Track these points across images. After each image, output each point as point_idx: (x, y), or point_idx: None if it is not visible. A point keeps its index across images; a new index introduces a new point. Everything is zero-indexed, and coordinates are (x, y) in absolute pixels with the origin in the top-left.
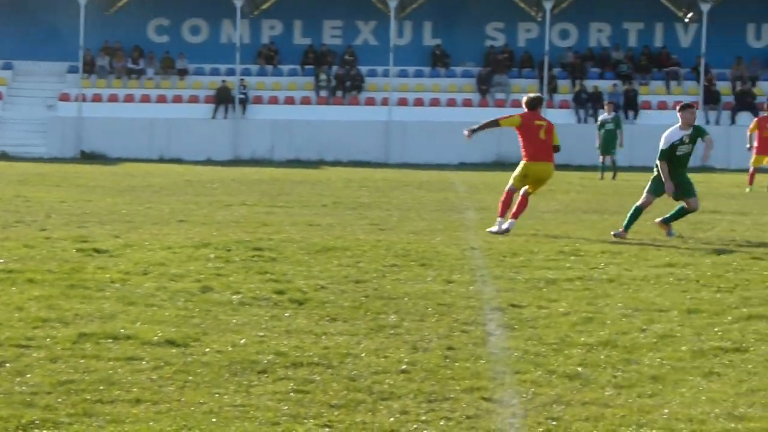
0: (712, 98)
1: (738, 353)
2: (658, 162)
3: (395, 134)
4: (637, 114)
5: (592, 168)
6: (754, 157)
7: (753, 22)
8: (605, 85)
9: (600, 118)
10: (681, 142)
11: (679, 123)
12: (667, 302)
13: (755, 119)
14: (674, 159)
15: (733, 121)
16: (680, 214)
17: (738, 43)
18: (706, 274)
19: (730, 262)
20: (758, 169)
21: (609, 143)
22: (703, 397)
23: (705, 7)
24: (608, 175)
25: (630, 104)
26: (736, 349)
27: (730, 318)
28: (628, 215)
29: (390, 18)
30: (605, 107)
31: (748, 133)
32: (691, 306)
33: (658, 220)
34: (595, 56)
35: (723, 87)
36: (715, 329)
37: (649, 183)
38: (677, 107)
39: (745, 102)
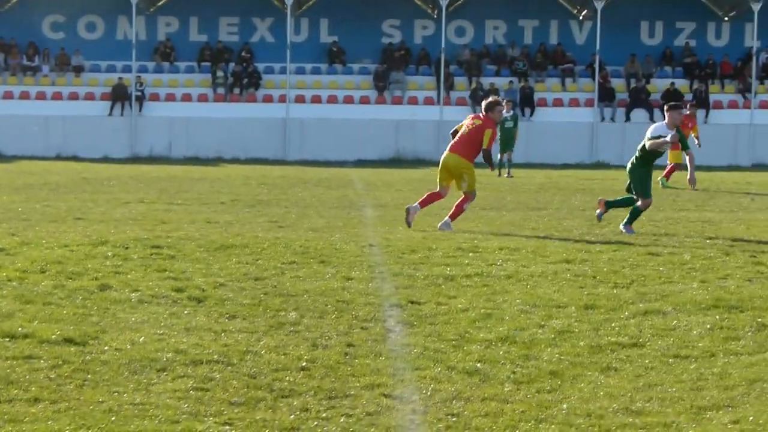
0: (606, 95)
1: (635, 348)
2: (647, 143)
3: (293, 131)
4: (533, 111)
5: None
6: (671, 153)
7: (646, 19)
8: (501, 83)
9: None
10: None
11: (666, 121)
12: (565, 298)
13: None
14: (650, 156)
15: (627, 118)
16: (628, 205)
17: (632, 41)
18: (602, 270)
19: (627, 258)
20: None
21: (508, 141)
22: (601, 392)
23: (599, 5)
24: (505, 171)
25: (526, 101)
26: (633, 344)
27: (626, 313)
28: (629, 213)
29: (287, 15)
30: (504, 105)
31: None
32: (588, 302)
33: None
34: (491, 54)
35: (617, 84)
36: (612, 325)
37: (635, 185)
38: (666, 106)
39: (639, 99)
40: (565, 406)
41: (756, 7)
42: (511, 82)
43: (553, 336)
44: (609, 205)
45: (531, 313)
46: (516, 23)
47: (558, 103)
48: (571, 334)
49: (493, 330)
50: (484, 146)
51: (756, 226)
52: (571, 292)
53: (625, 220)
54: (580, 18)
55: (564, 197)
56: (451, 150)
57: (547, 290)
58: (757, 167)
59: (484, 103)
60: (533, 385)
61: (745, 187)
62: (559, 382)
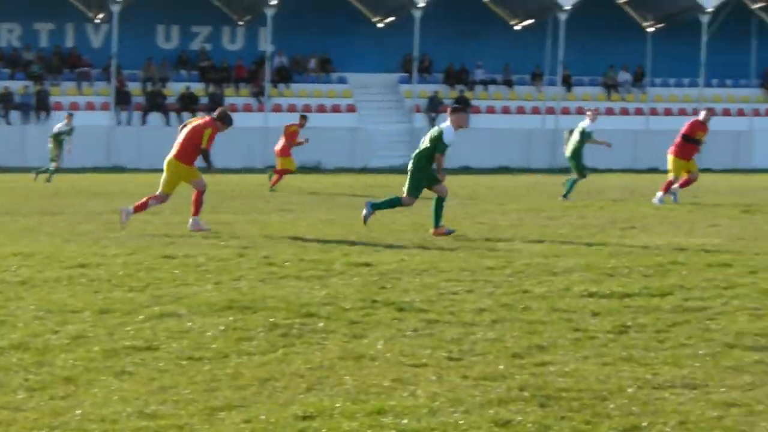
0: (123, 99)
1: (150, 351)
2: (435, 155)
3: None
4: (49, 114)
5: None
6: (283, 160)
7: (163, 23)
8: (16, 87)
9: (57, 127)
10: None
11: (449, 123)
12: (80, 303)
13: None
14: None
15: (144, 122)
16: (394, 204)
17: (149, 45)
18: (118, 274)
19: (142, 261)
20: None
21: (61, 150)
22: (116, 397)
23: (115, 9)
24: (43, 177)
25: (41, 105)
26: (148, 347)
27: (142, 317)
28: (433, 213)
29: None
30: (65, 118)
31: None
32: (103, 306)
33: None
34: (5, 57)
35: (134, 88)
36: (128, 329)
37: (413, 182)
38: (450, 109)
39: (155, 103)
40: (79, 412)
41: (269, 13)
42: (26, 86)
43: (67, 341)
44: (374, 206)
45: (45, 319)
46: (31, 26)
47: (74, 107)
48: (86, 339)
49: (6, 337)
50: (204, 144)
51: (270, 227)
52: (86, 297)
53: (434, 224)
54: (96, 21)
55: (81, 201)
56: (172, 154)
57: (62, 295)
58: (308, 169)
59: (217, 112)
60: (47, 391)
61: (260, 188)
62: (73, 388)
